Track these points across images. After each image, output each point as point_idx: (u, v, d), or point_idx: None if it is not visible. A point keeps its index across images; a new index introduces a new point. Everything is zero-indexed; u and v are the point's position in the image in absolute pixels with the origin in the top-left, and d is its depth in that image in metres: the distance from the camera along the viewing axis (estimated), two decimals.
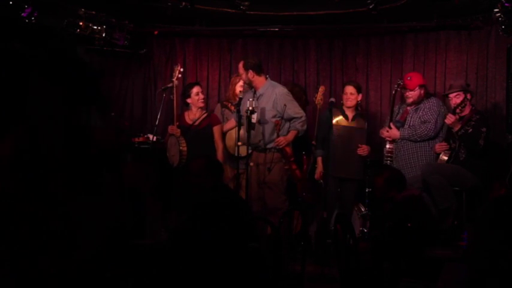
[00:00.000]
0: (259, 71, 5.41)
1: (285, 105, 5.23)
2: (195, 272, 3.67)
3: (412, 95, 5.50)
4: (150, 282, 3.78)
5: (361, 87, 5.78)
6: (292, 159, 5.28)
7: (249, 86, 5.49)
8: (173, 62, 7.01)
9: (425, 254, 4.08)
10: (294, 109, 5.33)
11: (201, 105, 5.74)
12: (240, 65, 5.50)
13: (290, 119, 5.32)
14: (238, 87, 5.84)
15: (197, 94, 5.68)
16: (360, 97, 5.71)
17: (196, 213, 4.06)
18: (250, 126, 5.16)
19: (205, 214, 3.99)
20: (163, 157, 5.74)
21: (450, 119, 5.16)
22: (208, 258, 3.67)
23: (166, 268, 3.79)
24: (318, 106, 5.79)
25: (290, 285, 3.90)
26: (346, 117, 5.68)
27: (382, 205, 4.66)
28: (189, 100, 5.70)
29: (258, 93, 5.41)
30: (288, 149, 5.26)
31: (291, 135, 5.31)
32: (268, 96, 5.33)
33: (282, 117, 5.28)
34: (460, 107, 5.18)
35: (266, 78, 5.46)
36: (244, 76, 5.44)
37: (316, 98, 5.84)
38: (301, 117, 5.31)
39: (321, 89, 5.89)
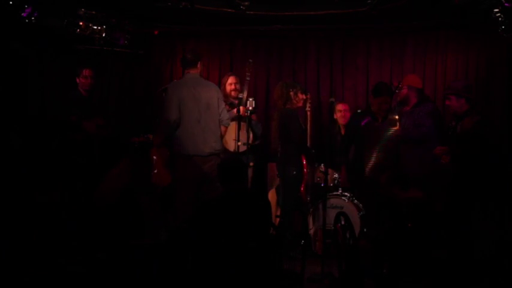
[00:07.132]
0: (186, 66, 5.26)
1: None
2: (194, 271, 3.66)
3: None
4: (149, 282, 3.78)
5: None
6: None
7: None
8: (173, 62, 7.01)
9: (425, 254, 4.08)
10: None
11: None
12: None
13: None
14: (228, 85, 5.85)
15: None
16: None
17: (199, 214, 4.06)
18: (251, 125, 5.16)
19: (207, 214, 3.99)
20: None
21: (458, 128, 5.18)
22: (208, 258, 3.67)
23: (166, 267, 3.78)
24: (308, 113, 5.79)
25: (290, 285, 3.90)
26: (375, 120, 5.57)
27: (384, 203, 4.66)
28: None
29: None
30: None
31: None
32: None
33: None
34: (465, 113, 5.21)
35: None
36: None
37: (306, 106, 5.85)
38: None
39: (308, 96, 5.87)
